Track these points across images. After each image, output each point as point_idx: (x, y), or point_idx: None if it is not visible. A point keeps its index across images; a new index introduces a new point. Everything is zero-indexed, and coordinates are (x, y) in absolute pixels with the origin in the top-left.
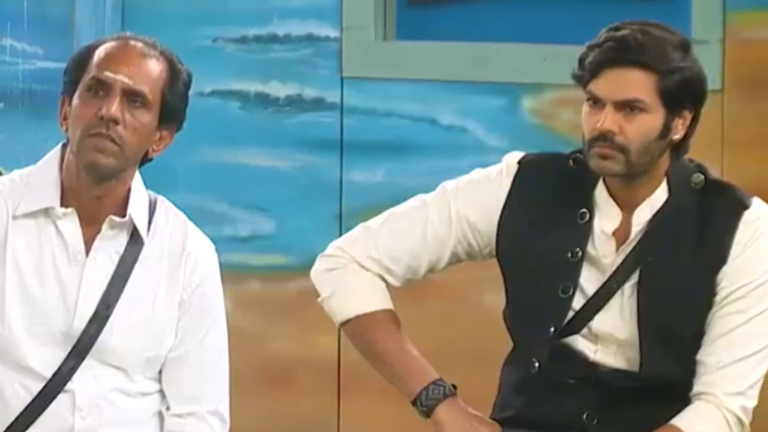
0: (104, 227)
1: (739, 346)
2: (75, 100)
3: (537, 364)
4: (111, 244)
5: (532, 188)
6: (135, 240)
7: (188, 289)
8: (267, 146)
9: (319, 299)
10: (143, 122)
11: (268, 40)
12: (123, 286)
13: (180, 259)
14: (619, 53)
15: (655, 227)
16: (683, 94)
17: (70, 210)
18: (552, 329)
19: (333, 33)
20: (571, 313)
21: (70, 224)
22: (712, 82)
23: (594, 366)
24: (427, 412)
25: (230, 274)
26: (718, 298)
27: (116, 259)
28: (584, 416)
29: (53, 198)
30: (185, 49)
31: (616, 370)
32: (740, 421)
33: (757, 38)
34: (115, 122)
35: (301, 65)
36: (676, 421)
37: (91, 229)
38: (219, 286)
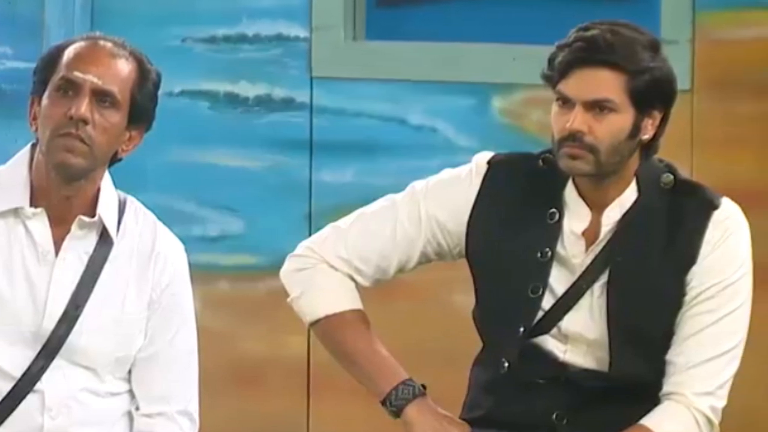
0: (73, 227)
1: (709, 346)
2: (44, 100)
3: (506, 364)
4: (80, 244)
5: (502, 188)
6: (104, 240)
7: (157, 289)
8: (236, 146)
9: (288, 299)
10: (112, 122)
11: (237, 40)
12: (92, 287)
13: (149, 259)
14: (589, 53)
15: (624, 227)
16: (653, 94)
17: (39, 210)
18: (521, 329)
19: (302, 33)
20: (540, 313)
21: (40, 224)
22: (682, 82)
23: (564, 366)
24: (397, 412)
25: (199, 274)
26: (687, 298)
27: (85, 259)
28: (554, 416)
29: (22, 198)
30: (154, 49)
31: (586, 370)
32: (709, 421)
33: (727, 38)
34: (85, 122)
35: (271, 65)
36: (646, 421)
37: (60, 229)
38: (188, 286)
